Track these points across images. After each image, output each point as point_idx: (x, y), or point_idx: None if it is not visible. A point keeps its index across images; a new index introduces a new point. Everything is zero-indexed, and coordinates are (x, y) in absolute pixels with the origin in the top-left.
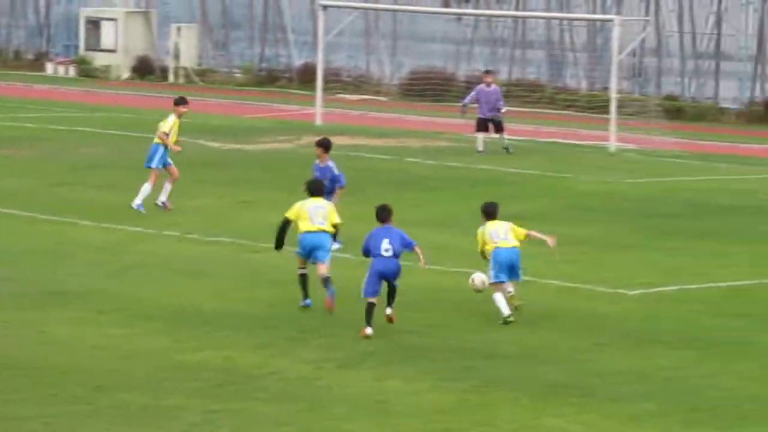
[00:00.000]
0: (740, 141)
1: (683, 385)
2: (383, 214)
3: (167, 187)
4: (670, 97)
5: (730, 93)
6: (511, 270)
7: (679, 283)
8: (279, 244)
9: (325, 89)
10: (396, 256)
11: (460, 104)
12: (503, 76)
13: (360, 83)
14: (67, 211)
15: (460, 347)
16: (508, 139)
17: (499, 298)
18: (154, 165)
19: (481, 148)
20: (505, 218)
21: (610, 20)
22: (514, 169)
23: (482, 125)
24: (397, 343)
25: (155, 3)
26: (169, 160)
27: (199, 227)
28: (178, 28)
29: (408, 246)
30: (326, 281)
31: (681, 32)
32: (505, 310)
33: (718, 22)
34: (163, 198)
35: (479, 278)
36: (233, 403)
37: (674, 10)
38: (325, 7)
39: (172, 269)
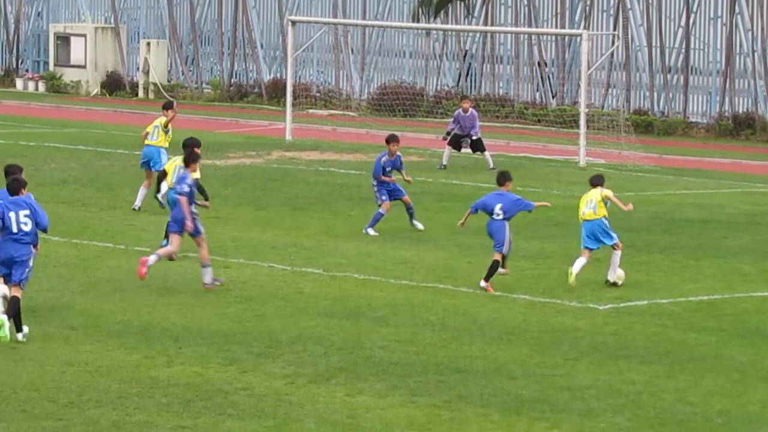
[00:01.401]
0: (709, 155)
1: (654, 400)
2: (502, 178)
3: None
4: (640, 112)
5: (699, 107)
6: (595, 239)
7: (650, 297)
8: (157, 190)
9: (295, 104)
10: (506, 219)
11: (445, 134)
12: (472, 91)
13: (329, 98)
14: None
15: (430, 362)
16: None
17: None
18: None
19: (445, 162)
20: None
21: (579, 35)
22: (483, 184)
23: (456, 142)
24: (368, 359)
25: (124, 19)
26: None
27: None
28: (148, 44)
29: (527, 207)
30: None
31: (650, 46)
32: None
33: (687, 37)
34: (138, 203)
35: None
36: (203, 418)
37: (642, 25)
38: (293, 23)
39: (142, 285)
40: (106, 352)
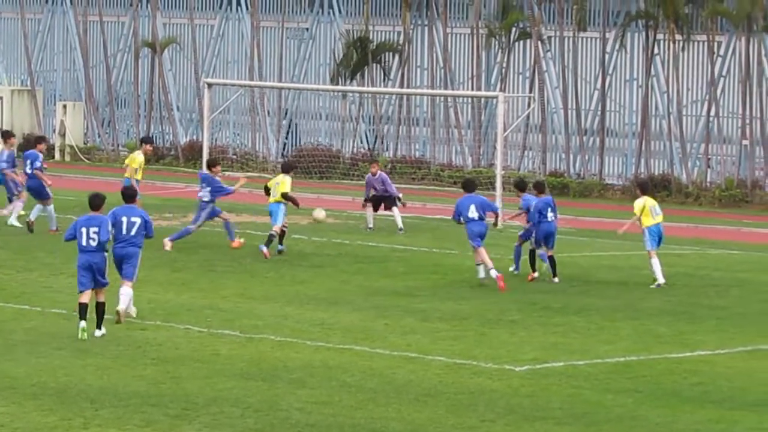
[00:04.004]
0: (625, 217)
1: None
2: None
3: None
4: (556, 174)
5: (615, 169)
6: (660, 240)
7: (566, 358)
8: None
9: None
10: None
11: (363, 201)
12: (389, 153)
13: (246, 161)
14: None
15: (347, 424)
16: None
17: (654, 263)
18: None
19: (371, 225)
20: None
21: (495, 97)
22: (400, 246)
23: (374, 203)
24: (284, 420)
25: (41, 81)
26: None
27: None
28: (64, 106)
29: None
30: (270, 236)
31: (566, 109)
32: (660, 278)
33: (603, 99)
34: None
35: (320, 214)
36: None
37: (558, 87)
38: (210, 85)
39: (59, 347)
40: (23, 414)
